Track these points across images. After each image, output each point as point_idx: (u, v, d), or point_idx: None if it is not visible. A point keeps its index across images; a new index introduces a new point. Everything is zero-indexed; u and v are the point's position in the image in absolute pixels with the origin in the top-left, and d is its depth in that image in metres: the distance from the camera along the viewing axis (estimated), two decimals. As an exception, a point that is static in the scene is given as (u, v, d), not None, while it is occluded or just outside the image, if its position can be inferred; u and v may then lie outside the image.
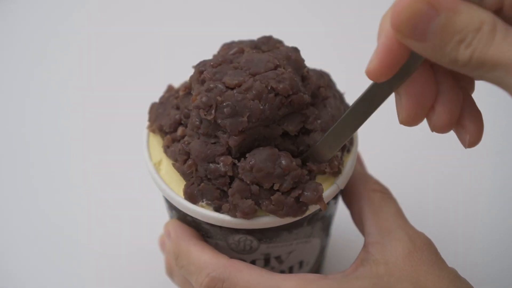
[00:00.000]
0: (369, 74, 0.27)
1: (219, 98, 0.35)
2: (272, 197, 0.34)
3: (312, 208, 0.36)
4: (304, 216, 0.35)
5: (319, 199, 0.34)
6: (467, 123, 0.30)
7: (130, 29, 0.78)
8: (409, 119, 0.29)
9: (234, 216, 0.35)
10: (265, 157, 0.34)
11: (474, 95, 0.32)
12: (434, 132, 0.30)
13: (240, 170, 0.34)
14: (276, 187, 0.34)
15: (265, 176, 0.34)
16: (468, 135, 0.30)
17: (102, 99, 0.68)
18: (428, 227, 0.54)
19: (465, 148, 0.30)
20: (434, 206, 0.56)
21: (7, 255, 0.53)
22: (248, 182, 0.34)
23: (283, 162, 0.34)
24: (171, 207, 0.41)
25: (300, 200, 0.35)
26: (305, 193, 0.34)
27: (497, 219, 0.55)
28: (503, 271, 0.51)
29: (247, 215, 0.34)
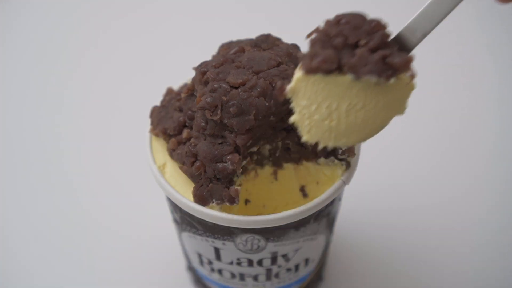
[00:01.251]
0: None
1: (224, 98, 0.35)
2: (356, 51, 0.30)
3: (401, 78, 0.31)
4: (389, 81, 0.30)
5: (408, 66, 0.30)
6: None
7: (128, 31, 0.77)
8: None
9: (309, 67, 0.30)
10: (355, 14, 0.31)
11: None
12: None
13: (325, 25, 0.31)
14: (362, 43, 0.30)
15: (353, 28, 0.30)
16: None
17: (101, 102, 0.68)
18: (428, 226, 0.55)
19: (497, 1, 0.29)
20: (435, 205, 0.56)
21: (9, 257, 0.53)
22: (332, 35, 0.30)
23: (374, 21, 0.31)
24: (176, 209, 0.40)
25: (387, 61, 0.30)
26: (393, 58, 0.30)
27: (499, 218, 0.56)
28: (503, 270, 0.52)
29: (324, 63, 0.30)
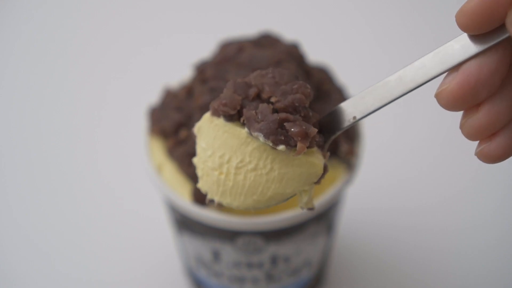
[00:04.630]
0: (464, 13, 0.23)
1: (223, 97, 0.34)
2: (259, 105, 0.28)
3: (309, 155, 0.28)
4: (277, 147, 0.27)
5: (304, 139, 0.27)
6: (500, 134, 0.25)
7: (121, 27, 0.76)
8: (450, 95, 0.24)
9: (211, 107, 0.29)
10: (286, 72, 0.29)
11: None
12: (469, 140, 0.26)
13: (253, 74, 0.29)
14: (272, 100, 0.28)
15: (273, 84, 0.28)
16: (492, 143, 0.25)
17: (97, 102, 0.67)
18: (433, 227, 0.54)
19: (475, 155, 0.26)
20: (440, 206, 0.56)
21: (2, 261, 0.53)
22: (251, 84, 0.29)
23: (298, 84, 0.28)
24: (174, 210, 0.40)
25: (285, 126, 0.27)
26: (292, 125, 0.27)
27: (504, 218, 0.55)
28: (503, 271, 0.51)
29: (224, 106, 0.28)
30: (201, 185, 0.30)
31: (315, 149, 0.28)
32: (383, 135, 0.58)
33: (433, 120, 0.62)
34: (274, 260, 0.41)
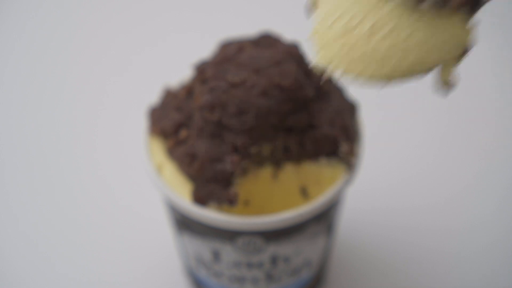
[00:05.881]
0: None
1: (223, 97, 0.34)
2: None
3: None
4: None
5: None
6: None
7: (120, 26, 0.76)
8: None
9: None
10: None
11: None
12: None
13: None
14: None
15: None
16: None
17: (94, 101, 0.67)
18: (434, 227, 0.54)
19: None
20: (442, 205, 0.56)
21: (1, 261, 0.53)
22: None
23: None
24: (174, 211, 0.40)
25: None
26: None
27: (501, 219, 0.55)
28: (503, 271, 0.51)
29: None
30: (321, 57, 0.27)
31: (462, 16, 0.25)
32: (383, 135, 0.58)
33: (433, 120, 0.62)
34: (274, 260, 0.41)
